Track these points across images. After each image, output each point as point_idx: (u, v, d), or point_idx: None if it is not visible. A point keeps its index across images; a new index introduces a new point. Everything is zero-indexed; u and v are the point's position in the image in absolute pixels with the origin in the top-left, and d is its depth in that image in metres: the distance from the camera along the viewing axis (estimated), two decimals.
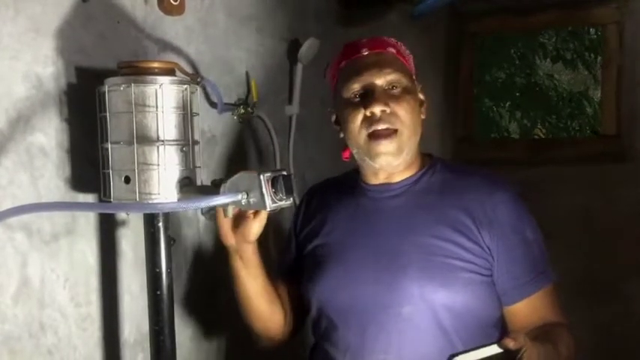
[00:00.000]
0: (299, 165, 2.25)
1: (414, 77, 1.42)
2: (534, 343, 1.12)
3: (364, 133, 1.33)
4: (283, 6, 2.19)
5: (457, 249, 1.33)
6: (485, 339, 1.33)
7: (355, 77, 1.35)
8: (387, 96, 1.33)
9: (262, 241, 1.38)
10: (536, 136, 5.95)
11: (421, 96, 1.43)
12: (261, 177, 1.16)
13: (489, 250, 1.33)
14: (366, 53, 1.37)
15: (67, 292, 1.34)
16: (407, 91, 1.36)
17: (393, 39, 1.43)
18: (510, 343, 1.07)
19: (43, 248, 1.28)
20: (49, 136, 1.28)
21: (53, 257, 1.30)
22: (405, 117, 1.33)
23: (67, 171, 1.32)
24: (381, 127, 1.32)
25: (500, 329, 1.38)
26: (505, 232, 1.34)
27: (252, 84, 1.97)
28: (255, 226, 1.29)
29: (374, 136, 1.33)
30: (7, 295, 1.20)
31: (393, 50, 1.39)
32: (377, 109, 1.31)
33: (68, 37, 1.31)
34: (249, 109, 1.93)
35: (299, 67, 2.21)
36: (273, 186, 1.17)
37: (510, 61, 5.85)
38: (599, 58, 5.28)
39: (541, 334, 1.24)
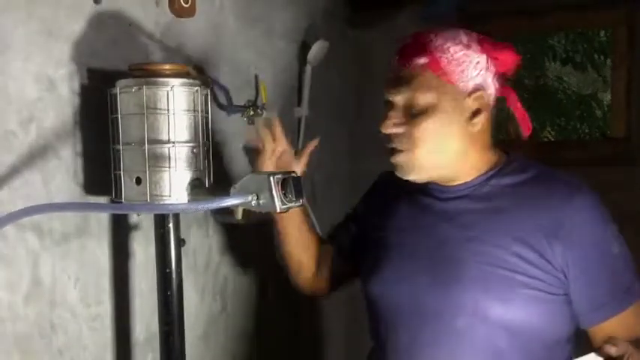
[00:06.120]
0: (308, 167, 2.24)
1: (455, 85, 1.24)
2: (638, 350, 1.05)
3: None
4: (292, 8, 2.20)
5: (521, 262, 1.20)
6: None
7: (384, 87, 1.30)
8: (404, 115, 1.26)
9: None
10: (545, 139, 5.92)
11: (471, 103, 1.25)
12: (271, 178, 1.17)
13: (562, 266, 1.20)
14: (395, 63, 1.28)
15: (78, 292, 1.35)
16: (428, 110, 1.23)
17: (437, 41, 1.24)
18: (612, 349, 1.02)
19: (54, 249, 1.29)
20: (61, 137, 1.29)
21: (64, 258, 1.31)
22: (419, 138, 1.24)
23: (78, 172, 1.33)
24: (390, 145, 1.29)
25: (573, 346, 1.27)
26: (583, 247, 1.21)
27: (262, 86, 1.97)
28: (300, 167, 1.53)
29: (389, 150, 1.30)
30: (18, 295, 1.21)
31: (422, 61, 1.23)
32: (386, 131, 1.28)
33: (80, 39, 1.32)
34: (258, 110, 1.93)
35: (308, 68, 2.22)
36: (283, 187, 1.18)
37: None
38: (609, 60, 5.26)
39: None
